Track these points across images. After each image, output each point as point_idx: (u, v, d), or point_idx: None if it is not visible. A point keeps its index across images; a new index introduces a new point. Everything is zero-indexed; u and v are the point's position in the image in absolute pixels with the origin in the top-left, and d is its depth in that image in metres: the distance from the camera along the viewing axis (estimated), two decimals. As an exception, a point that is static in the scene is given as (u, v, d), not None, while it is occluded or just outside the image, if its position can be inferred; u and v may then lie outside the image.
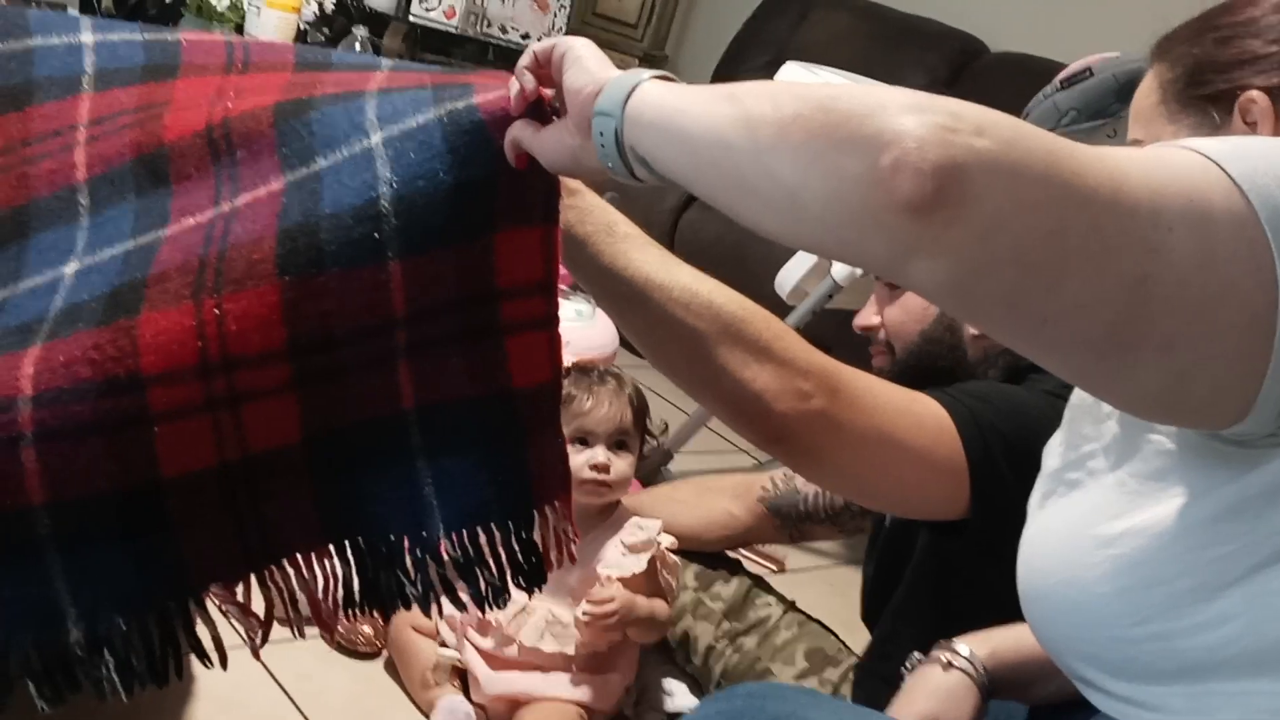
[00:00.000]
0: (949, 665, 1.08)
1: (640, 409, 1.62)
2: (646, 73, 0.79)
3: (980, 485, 1.14)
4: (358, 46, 2.61)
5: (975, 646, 1.09)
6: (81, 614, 0.84)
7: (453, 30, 3.97)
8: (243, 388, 0.83)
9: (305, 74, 0.94)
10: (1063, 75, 1.81)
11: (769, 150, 0.67)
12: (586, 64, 0.82)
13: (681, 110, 0.74)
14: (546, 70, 0.86)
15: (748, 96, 0.70)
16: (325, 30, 2.81)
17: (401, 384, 0.89)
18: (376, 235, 0.84)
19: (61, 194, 0.93)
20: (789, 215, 0.68)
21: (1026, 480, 0.93)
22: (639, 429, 1.63)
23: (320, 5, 2.63)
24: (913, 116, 0.62)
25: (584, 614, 1.52)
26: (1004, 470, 1.12)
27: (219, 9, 2.55)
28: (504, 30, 4.13)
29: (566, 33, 4.17)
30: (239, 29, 2.54)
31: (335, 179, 0.86)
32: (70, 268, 0.88)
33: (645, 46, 4.61)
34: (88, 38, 1.00)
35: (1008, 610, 0.93)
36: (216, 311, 0.82)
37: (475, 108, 0.86)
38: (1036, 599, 0.87)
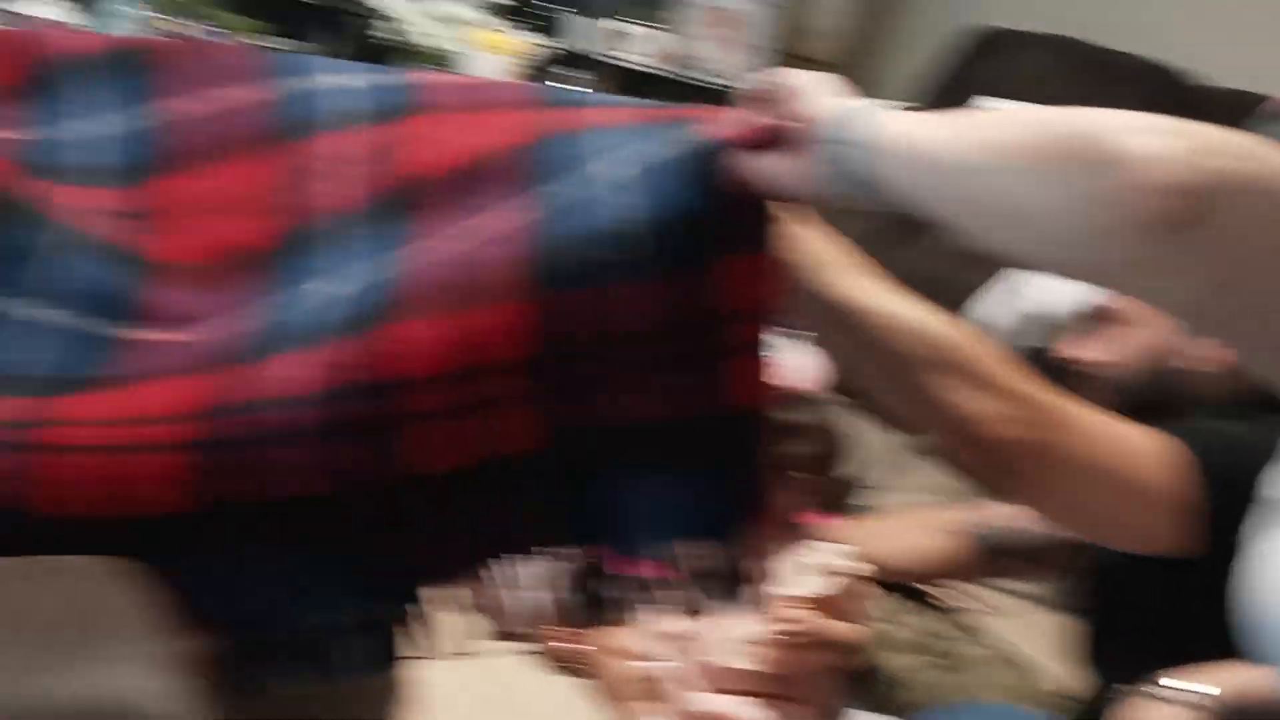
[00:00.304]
0: (1182, 703, 1.05)
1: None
2: (872, 101, 0.82)
3: (1205, 519, 1.12)
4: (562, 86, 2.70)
5: (1208, 683, 1.06)
6: (322, 603, 0.91)
7: (654, 71, 4.07)
8: (484, 397, 0.90)
9: (539, 110, 1.00)
10: (1271, 107, 1.76)
11: (1011, 172, 0.69)
12: (812, 93, 0.86)
13: (916, 135, 0.77)
14: (768, 101, 0.89)
15: (985, 121, 0.73)
16: (531, 71, 2.92)
17: (624, 401, 0.94)
18: (609, 260, 0.90)
19: (311, 223, 1.01)
20: (1033, 236, 0.70)
21: (1250, 514, 0.92)
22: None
23: (527, 47, 2.74)
24: (1154, 136, 0.63)
25: (766, 634, 1.52)
26: (1228, 504, 1.10)
27: (426, 52, 2.67)
28: (703, 71, 4.20)
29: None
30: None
31: (573, 208, 0.92)
32: (324, 286, 0.96)
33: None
34: (328, 80, 1.07)
35: (1236, 648, 0.92)
36: (463, 325, 0.89)
37: (700, 137, 0.91)
38: (1269, 633, 0.85)
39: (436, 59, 2.68)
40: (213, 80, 1.05)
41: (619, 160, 0.92)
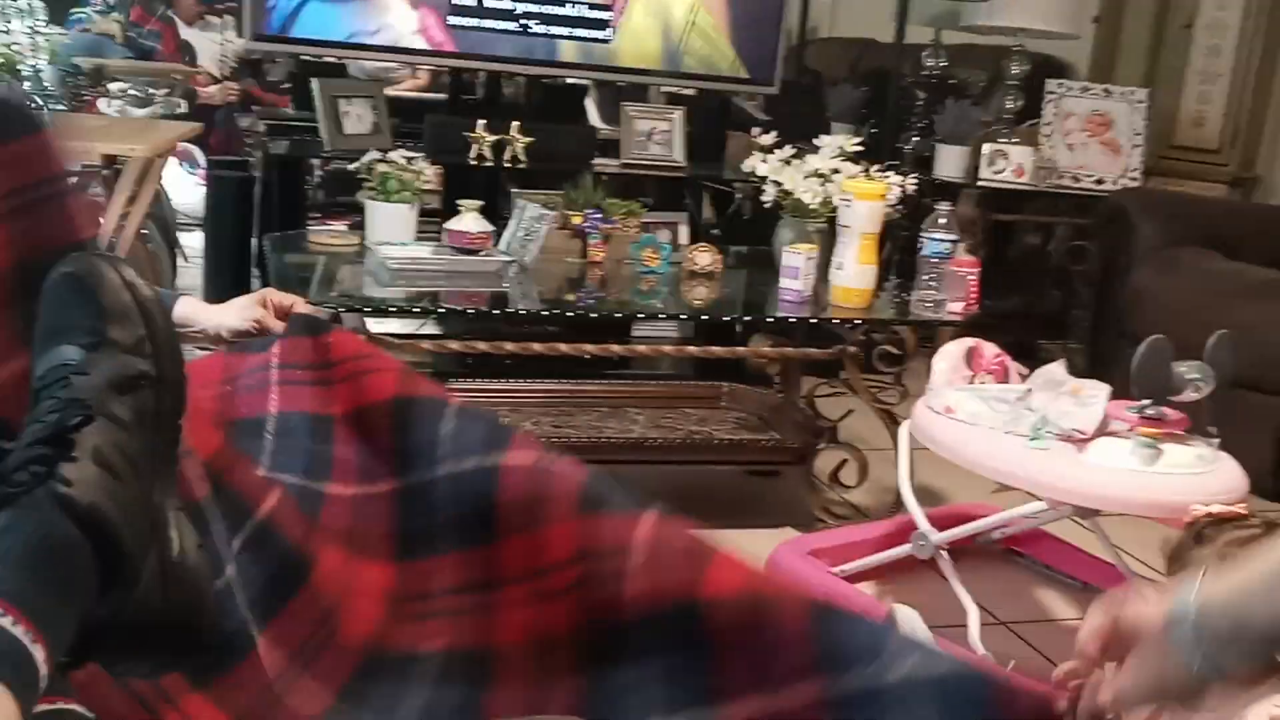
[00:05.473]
0: None
1: None
2: (1194, 581, 0.81)
3: None
4: (940, 220, 2.77)
5: None
6: None
7: (1024, 187, 4.07)
8: None
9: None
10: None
11: None
12: (1138, 604, 0.84)
13: (1237, 588, 0.78)
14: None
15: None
16: (902, 209, 3.01)
17: None
18: None
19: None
20: None
21: None
22: None
23: (900, 189, 2.84)
24: None
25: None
26: None
27: (811, 207, 2.81)
28: (1075, 179, 4.16)
29: (1143, 171, 4.12)
30: (831, 223, 2.79)
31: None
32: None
33: (1233, 171, 4.41)
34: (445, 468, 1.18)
35: None
36: None
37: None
38: None
39: (814, 214, 2.83)
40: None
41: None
